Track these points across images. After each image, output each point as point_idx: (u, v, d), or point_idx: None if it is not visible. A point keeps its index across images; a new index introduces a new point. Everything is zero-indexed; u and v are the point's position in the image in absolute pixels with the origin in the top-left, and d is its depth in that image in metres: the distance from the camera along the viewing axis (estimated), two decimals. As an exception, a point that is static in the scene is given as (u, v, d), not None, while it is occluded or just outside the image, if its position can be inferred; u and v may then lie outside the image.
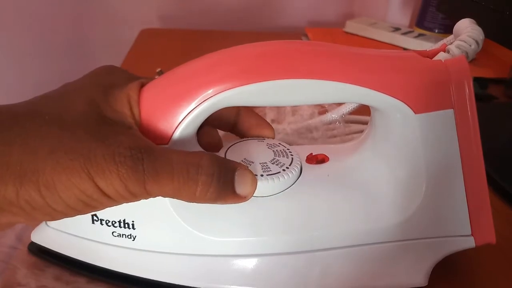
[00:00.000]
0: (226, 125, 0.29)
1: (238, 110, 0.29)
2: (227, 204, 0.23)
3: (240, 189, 0.23)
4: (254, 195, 0.25)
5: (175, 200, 0.22)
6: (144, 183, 0.20)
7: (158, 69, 0.52)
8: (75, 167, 0.19)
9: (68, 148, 0.19)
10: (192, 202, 0.22)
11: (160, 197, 0.22)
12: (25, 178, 0.19)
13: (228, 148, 0.27)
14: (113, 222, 0.24)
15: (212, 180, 0.21)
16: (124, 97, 0.23)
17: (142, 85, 0.24)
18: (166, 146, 0.23)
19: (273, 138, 0.29)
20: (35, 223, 0.26)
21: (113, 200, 0.21)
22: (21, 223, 0.21)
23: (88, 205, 0.20)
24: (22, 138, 0.19)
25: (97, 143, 0.20)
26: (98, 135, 0.20)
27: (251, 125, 0.29)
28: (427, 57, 0.25)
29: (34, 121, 0.20)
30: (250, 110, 0.29)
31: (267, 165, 0.26)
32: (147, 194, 0.21)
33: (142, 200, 0.22)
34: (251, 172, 0.23)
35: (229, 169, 0.23)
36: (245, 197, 0.23)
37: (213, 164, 0.22)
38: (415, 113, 0.24)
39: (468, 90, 0.24)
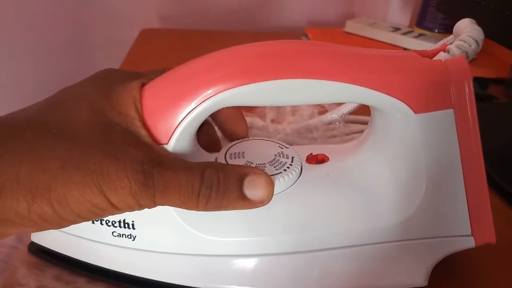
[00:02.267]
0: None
1: None
2: (245, 210, 0.23)
3: (251, 194, 0.22)
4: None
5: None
6: (154, 197, 0.21)
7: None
8: (87, 183, 0.19)
9: (79, 163, 0.20)
10: (198, 211, 0.22)
11: None
12: (36, 193, 0.19)
13: (228, 149, 0.27)
14: (113, 222, 0.24)
15: (211, 191, 0.21)
16: (129, 98, 0.23)
17: (143, 84, 0.24)
18: (166, 145, 0.23)
19: (246, 136, 0.29)
20: (43, 230, 0.26)
21: (120, 210, 0.21)
22: (30, 232, 0.21)
23: (96, 214, 0.21)
24: (31, 152, 0.19)
25: (109, 159, 0.20)
26: (108, 148, 0.21)
27: (227, 118, 0.29)
28: (427, 57, 0.25)
29: (41, 134, 0.20)
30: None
31: (267, 166, 0.26)
32: (155, 205, 0.21)
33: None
34: (266, 175, 0.23)
35: (233, 176, 0.22)
36: (261, 201, 0.23)
37: (213, 175, 0.22)
38: (415, 113, 0.24)
39: (468, 90, 0.24)
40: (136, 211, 0.22)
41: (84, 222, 0.25)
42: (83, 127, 0.21)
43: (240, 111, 0.30)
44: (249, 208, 0.23)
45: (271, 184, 0.23)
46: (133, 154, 0.21)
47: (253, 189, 0.22)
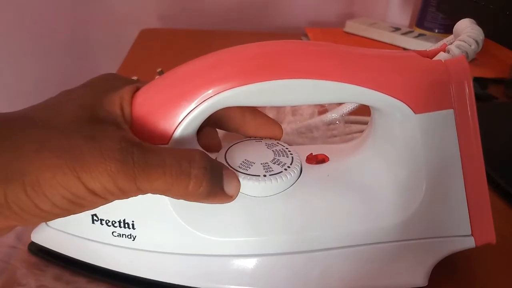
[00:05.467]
0: (232, 125, 0.29)
1: (243, 110, 0.28)
2: (215, 204, 0.23)
3: (227, 187, 0.23)
4: (254, 195, 0.25)
5: (175, 199, 0.22)
6: (135, 178, 0.20)
7: (159, 69, 0.52)
8: (59, 164, 0.19)
9: (54, 146, 0.19)
10: (182, 199, 0.22)
11: (160, 196, 0.22)
12: (11, 179, 0.18)
13: (227, 149, 0.27)
14: (113, 222, 0.24)
15: (205, 174, 0.21)
16: (117, 98, 0.23)
17: (138, 89, 0.24)
18: (166, 146, 0.23)
19: (281, 137, 0.29)
20: (30, 225, 0.26)
21: (100, 198, 0.20)
22: (16, 226, 0.21)
23: (75, 203, 0.20)
24: (11, 141, 0.19)
25: (84, 140, 0.19)
26: (86, 132, 0.20)
27: (259, 124, 0.29)
28: (427, 57, 0.25)
29: (25, 125, 0.20)
30: (255, 109, 0.29)
31: (268, 165, 0.26)
32: (137, 190, 0.20)
33: (141, 200, 0.22)
34: (235, 173, 0.24)
35: (218, 166, 0.23)
36: (231, 196, 0.23)
37: (205, 159, 0.22)
38: (415, 113, 0.24)
39: (468, 90, 0.24)
40: (132, 203, 0.21)
41: (84, 222, 0.25)
42: (65, 119, 0.21)
43: (263, 113, 0.29)
44: (222, 202, 0.23)
45: (239, 182, 0.24)
46: (111, 136, 0.20)
47: (229, 182, 0.23)
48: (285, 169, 0.26)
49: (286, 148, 0.28)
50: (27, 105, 0.23)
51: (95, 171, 0.19)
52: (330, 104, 0.43)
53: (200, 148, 0.27)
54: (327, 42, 0.25)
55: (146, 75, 0.45)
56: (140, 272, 0.26)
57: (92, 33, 0.80)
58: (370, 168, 0.27)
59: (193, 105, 0.23)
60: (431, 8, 0.72)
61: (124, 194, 0.20)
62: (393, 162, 0.26)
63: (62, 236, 0.26)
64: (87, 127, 0.21)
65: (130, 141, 0.20)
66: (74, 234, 0.26)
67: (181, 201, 0.22)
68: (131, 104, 0.23)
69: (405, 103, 0.24)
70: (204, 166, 0.21)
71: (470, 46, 0.25)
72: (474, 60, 0.57)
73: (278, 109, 0.46)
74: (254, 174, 0.25)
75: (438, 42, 0.27)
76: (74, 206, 0.20)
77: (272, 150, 0.27)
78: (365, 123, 0.44)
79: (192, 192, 0.21)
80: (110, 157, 0.19)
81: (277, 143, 0.28)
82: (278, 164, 0.26)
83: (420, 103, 0.24)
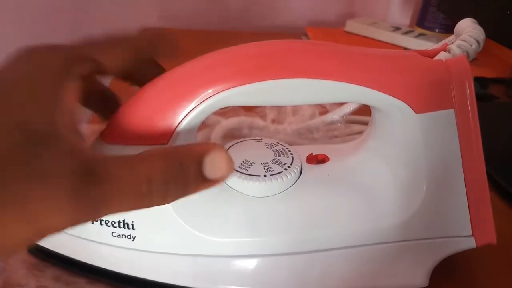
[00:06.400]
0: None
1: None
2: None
3: (212, 174, 0.20)
4: (254, 195, 0.25)
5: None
6: (94, 212, 0.18)
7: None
8: (9, 217, 0.16)
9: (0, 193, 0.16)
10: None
11: None
12: None
13: (227, 149, 0.27)
14: (113, 222, 0.24)
15: (168, 190, 0.19)
16: (56, 102, 0.20)
17: (83, 76, 0.22)
18: (166, 146, 0.23)
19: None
20: None
21: (66, 228, 0.18)
22: None
23: (43, 236, 0.17)
24: None
25: (28, 182, 0.17)
26: (27, 168, 0.17)
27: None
28: (428, 56, 0.25)
29: None
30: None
31: (268, 165, 0.26)
32: (102, 217, 0.19)
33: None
34: (224, 152, 0.20)
35: (191, 162, 0.20)
36: (221, 178, 0.20)
37: (166, 170, 0.19)
38: (415, 113, 0.24)
39: (469, 90, 0.24)
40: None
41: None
42: (3, 146, 0.17)
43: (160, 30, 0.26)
44: (208, 188, 0.20)
45: (230, 159, 0.20)
46: (60, 170, 0.17)
47: (214, 169, 0.20)
48: (286, 169, 0.26)
49: (286, 148, 0.28)
50: None
51: (51, 217, 0.17)
52: (331, 105, 0.43)
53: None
54: (327, 42, 0.25)
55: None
56: (139, 273, 0.25)
57: (92, 33, 0.80)
58: (371, 168, 0.27)
59: (193, 105, 0.23)
60: (432, 8, 0.72)
61: (86, 222, 0.18)
62: (394, 162, 0.26)
63: (62, 237, 0.26)
64: (26, 156, 0.17)
65: (82, 173, 0.18)
66: (74, 235, 0.26)
67: (181, 201, 0.22)
68: (78, 105, 0.21)
69: (405, 102, 0.24)
70: (164, 181, 0.19)
71: (471, 45, 0.25)
72: (475, 60, 0.57)
73: (279, 109, 0.46)
74: (255, 174, 0.25)
75: (440, 42, 0.27)
76: (43, 237, 0.18)
77: (272, 150, 0.27)
78: (366, 123, 0.44)
79: (160, 204, 0.19)
80: (62, 198, 0.17)
81: (277, 143, 0.28)
82: (278, 164, 0.26)
83: (421, 103, 0.24)
